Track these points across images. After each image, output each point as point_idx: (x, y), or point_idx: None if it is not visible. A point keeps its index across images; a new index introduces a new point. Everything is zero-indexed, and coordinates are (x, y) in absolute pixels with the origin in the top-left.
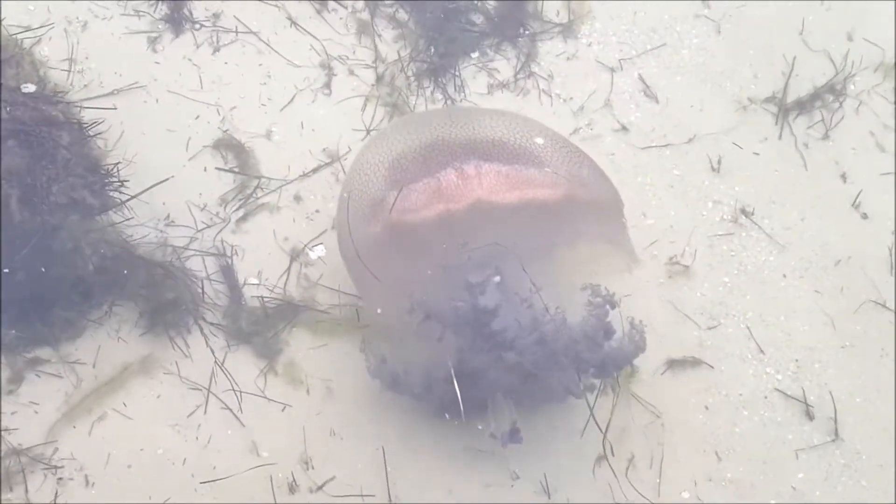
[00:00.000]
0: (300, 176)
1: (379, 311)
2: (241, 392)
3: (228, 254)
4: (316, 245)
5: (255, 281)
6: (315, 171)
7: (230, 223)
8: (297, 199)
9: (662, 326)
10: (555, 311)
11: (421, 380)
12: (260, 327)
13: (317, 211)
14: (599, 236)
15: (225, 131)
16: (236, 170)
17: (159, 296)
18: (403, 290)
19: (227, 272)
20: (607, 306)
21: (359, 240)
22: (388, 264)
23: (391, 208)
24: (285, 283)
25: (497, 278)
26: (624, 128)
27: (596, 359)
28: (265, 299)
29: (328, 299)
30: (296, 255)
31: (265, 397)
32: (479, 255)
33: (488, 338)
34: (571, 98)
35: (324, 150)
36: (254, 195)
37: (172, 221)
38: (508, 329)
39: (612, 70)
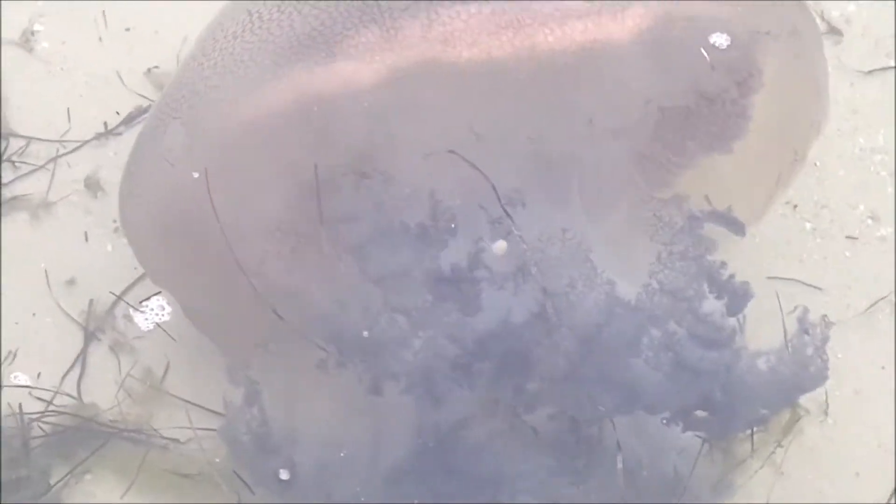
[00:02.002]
0: (98, 134)
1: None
2: None
3: None
4: (149, 299)
5: (23, 379)
6: (131, 120)
7: None
8: (92, 184)
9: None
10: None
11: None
12: (25, 472)
13: None
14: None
15: None
16: None
17: None
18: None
19: None
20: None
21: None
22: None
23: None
24: (78, 382)
25: (498, 245)
26: None
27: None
28: (34, 418)
29: (174, 416)
30: (99, 322)
31: None
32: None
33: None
34: None
35: (148, 72)
36: None
37: None
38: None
39: None
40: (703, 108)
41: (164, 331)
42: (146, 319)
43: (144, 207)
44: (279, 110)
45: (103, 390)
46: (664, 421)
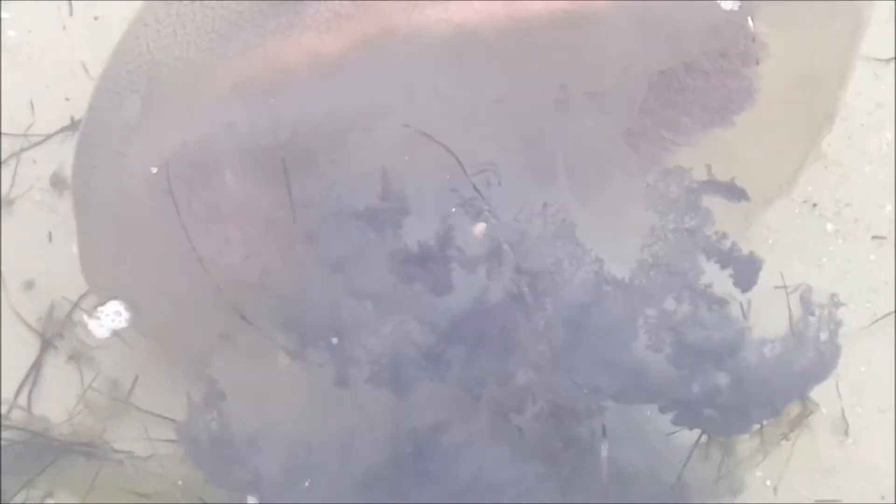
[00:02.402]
0: (64, 128)
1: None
2: None
3: None
4: (104, 304)
5: None
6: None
7: None
8: (58, 181)
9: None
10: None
11: None
12: None
13: None
14: None
15: None
16: None
17: None
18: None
19: None
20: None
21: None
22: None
23: None
24: (28, 396)
25: (478, 227)
26: None
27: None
28: None
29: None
30: (57, 329)
31: None
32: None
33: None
34: None
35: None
36: None
37: None
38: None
39: None
40: (698, 82)
41: (121, 339)
42: (102, 326)
43: (97, 192)
44: (247, 85)
45: (60, 402)
46: (666, 415)
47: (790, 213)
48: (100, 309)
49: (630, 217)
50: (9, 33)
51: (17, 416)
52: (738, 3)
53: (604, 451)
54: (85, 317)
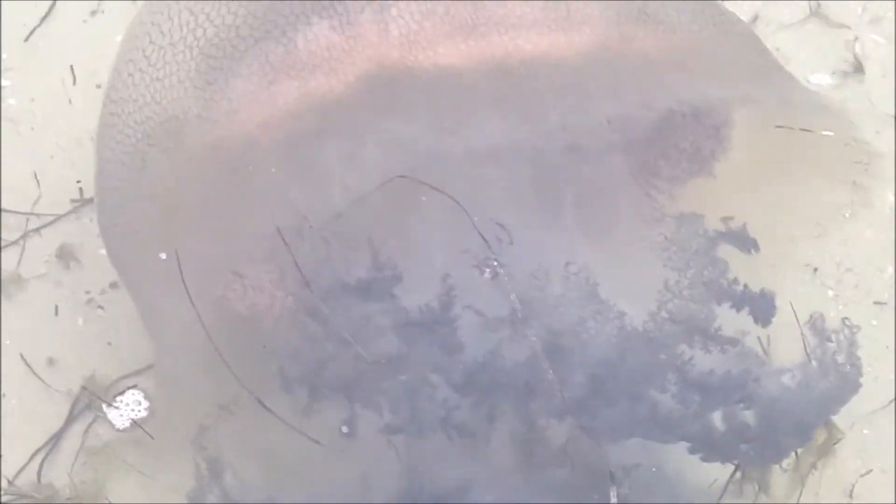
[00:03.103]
0: (73, 200)
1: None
2: None
3: None
4: (123, 393)
5: None
6: None
7: None
8: (65, 254)
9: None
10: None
11: None
12: None
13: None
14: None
15: None
16: None
17: None
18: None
19: None
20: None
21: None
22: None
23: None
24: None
25: (489, 270)
26: None
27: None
28: None
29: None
30: (74, 414)
31: None
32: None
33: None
34: None
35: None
36: None
37: None
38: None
39: None
40: (665, 130)
41: (142, 429)
42: (121, 416)
43: (132, 237)
44: (270, 134)
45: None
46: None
47: (791, 279)
48: (119, 398)
49: (644, 257)
50: (10, 102)
51: (22, 481)
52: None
53: (613, 497)
54: (104, 407)
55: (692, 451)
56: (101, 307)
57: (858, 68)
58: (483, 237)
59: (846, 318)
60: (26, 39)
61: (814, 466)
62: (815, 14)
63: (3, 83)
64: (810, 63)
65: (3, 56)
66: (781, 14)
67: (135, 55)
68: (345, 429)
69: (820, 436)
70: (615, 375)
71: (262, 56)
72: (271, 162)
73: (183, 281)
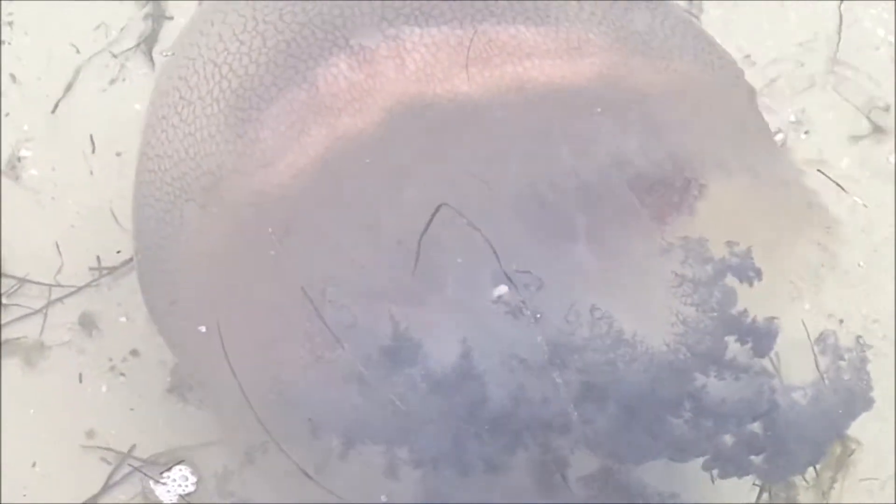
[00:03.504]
0: (93, 269)
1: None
2: None
3: None
4: (170, 469)
5: None
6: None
7: None
8: (87, 322)
9: None
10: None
11: None
12: None
13: (161, 361)
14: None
15: None
16: None
17: None
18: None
19: None
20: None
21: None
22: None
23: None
24: None
25: (498, 289)
26: None
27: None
28: None
29: None
30: (108, 485)
31: None
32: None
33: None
34: None
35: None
36: None
37: None
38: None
39: None
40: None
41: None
42: (169, 492)
43: (174, 305)
44: (304, 183)
45: None
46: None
47: (816, 331)
48: (167, 474)
49: (656, 284)
50: (31, 172)
51: None
52: None
53: None
54: (151, 483)
55: (706, 468)
56: (122, 374)
57: None
58: (509, 277)
59: (859, 336)
60: (53, 111)
61: (834, 480)
62: None
63: (24, 153)
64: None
65: (25, 127)
66: None
67: (166, 111)
68: (384, 498)
69: (835, 449)
70: (641, 406)
71: (288, 104)
72: (309, 213)
73: (226, 355)
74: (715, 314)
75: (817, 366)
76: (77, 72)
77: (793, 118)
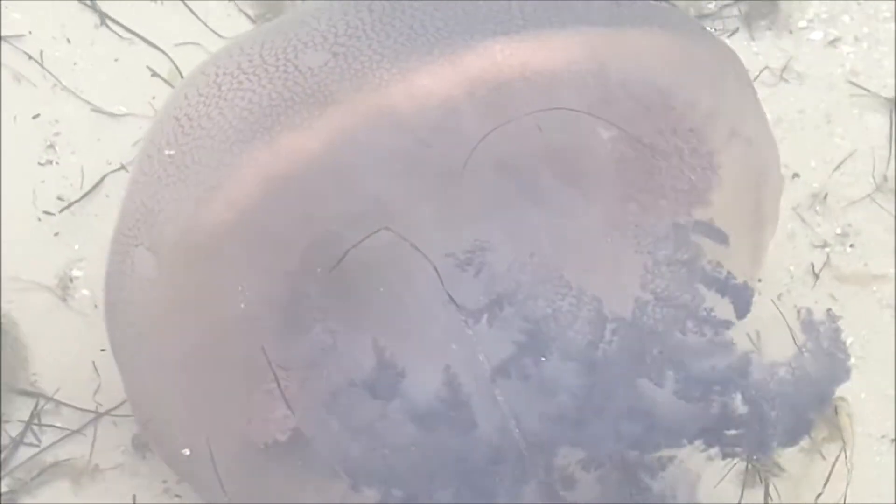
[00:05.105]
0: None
1: None
2: None
3: None
4: None
5: None
6: None
7: None
8: (140, 444)
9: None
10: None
11: None
12: None
13: None
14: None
15: None
16: None
17: None
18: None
19: None
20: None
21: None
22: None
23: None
24: None
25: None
26: None
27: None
28: None
29: None
30: None
31: None
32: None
33: None
34: None
35: None
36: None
37: None
38: None
39: None
40: (661, 163)
41: None
42: None
43: (134, 340)
44: (247, 205)
45: None
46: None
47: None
48: None
49: (624, 257)
50: (82, 292)
51: None
52: None
53: None
54: None
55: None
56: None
57: None
58: (450, 297)
59: (829, 309)
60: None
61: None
62: None
63: (76, 273)
64: None
65: (76, 247)
66: None
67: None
68: None
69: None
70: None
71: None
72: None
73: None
74: (684, 269)
75: (794, 340)
76: None
77: (839, 230)
